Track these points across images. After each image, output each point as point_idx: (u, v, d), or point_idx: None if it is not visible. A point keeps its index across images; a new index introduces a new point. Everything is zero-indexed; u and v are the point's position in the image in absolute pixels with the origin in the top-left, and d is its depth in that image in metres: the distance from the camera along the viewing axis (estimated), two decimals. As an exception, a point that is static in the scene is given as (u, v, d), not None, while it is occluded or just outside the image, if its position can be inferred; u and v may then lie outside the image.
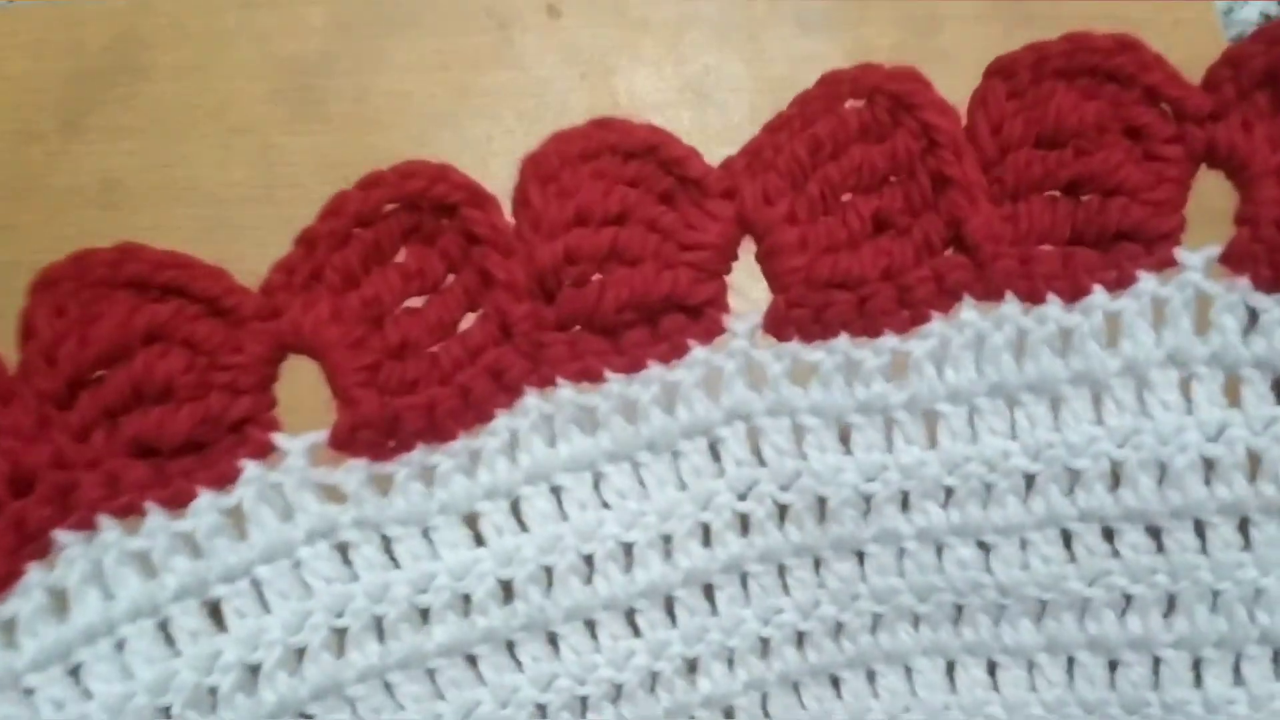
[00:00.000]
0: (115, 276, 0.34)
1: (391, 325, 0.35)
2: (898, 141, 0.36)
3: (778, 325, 0.36)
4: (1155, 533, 0.38)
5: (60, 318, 0.33)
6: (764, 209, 0.36)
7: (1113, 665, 0.39)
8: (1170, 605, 0.38)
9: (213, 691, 0.35)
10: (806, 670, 0.39)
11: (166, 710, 0.35)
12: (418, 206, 0.35)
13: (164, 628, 0.35)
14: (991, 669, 0.40)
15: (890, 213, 0.37)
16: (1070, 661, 0.39)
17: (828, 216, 0.36)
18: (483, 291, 0.35)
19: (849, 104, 0.36)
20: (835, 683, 0.39)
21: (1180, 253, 0.37)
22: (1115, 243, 0.37)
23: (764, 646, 0.39)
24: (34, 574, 0.34)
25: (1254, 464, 0.37)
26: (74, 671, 0.34)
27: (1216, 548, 0.37)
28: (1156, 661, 0.39)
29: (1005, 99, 0.37)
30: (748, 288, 0.38)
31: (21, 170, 0.47)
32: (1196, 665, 0.38)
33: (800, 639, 0.39)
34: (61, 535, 0.34)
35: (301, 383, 0.36)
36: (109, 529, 0.34)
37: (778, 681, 0.39)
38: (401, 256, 0.35)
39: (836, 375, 0.37)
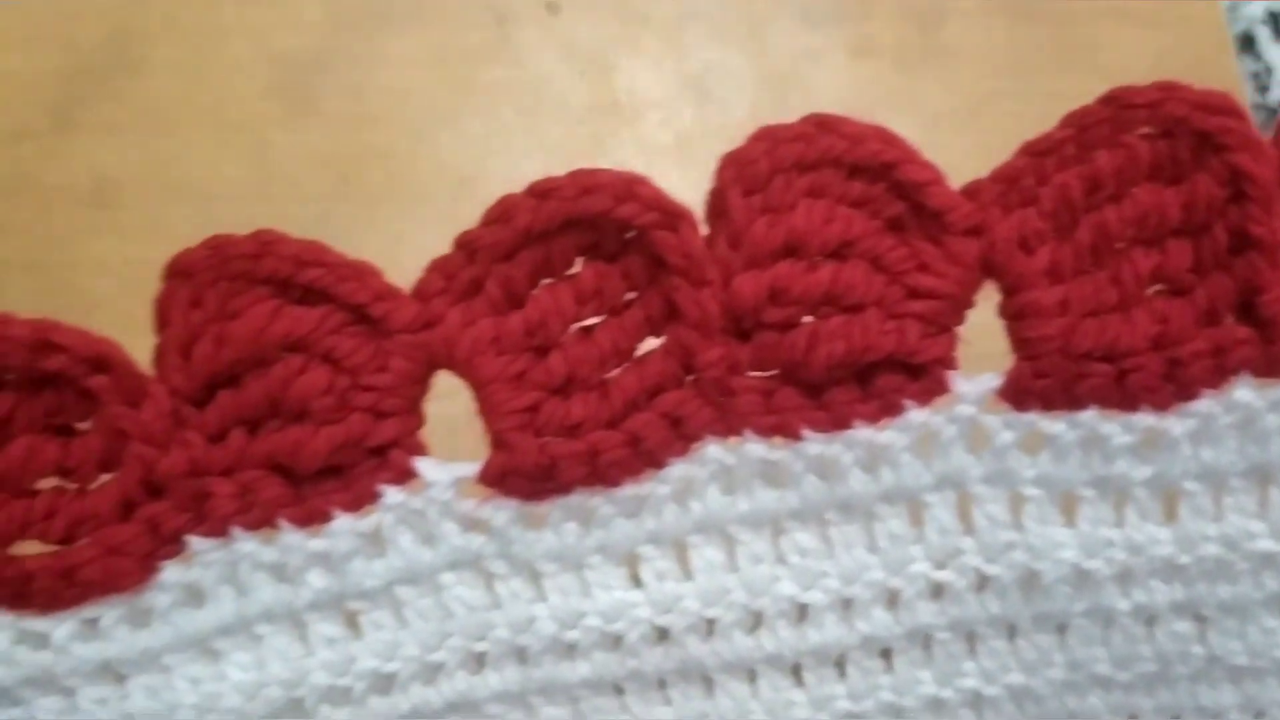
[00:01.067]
0: (254, 271, 0.29)
1: (558, 355, 0.30)
2: (1197, 186, 0.28)
3: (1018, 396, 0.30)
4: None
5: (197, 310, 0.29)
6: (1018, 257, 0.29)
7: None
8: None
9: (346, 692, 0.34)
10: (982, 728, 0.35)
11: (300, 701, 0.33)
12: (598, 225, 0.29)
13: (300, 628, 0.33)
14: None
15: (1172, 270, 0.29)
16: (1258, 715, 0.35)
17: (1096, 270, 0.29)
18: (667, 320, 0.30)
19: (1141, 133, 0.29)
20: None
21: None
22: None
23: (938, 706, 0.35)
24: (169, 572, 0.31)
25: None
26: (211, 654, 0.33)
27: None
28: None
29: None
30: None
31: (13, 167, 0.45)
32: None
33: (979, 702, 0.35)
34: (196, 541, 0.31)
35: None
36: (243, 540, 0.31)
37: None
38: (576, 266, 0.30)
39: (1075, 449, 0.31)
